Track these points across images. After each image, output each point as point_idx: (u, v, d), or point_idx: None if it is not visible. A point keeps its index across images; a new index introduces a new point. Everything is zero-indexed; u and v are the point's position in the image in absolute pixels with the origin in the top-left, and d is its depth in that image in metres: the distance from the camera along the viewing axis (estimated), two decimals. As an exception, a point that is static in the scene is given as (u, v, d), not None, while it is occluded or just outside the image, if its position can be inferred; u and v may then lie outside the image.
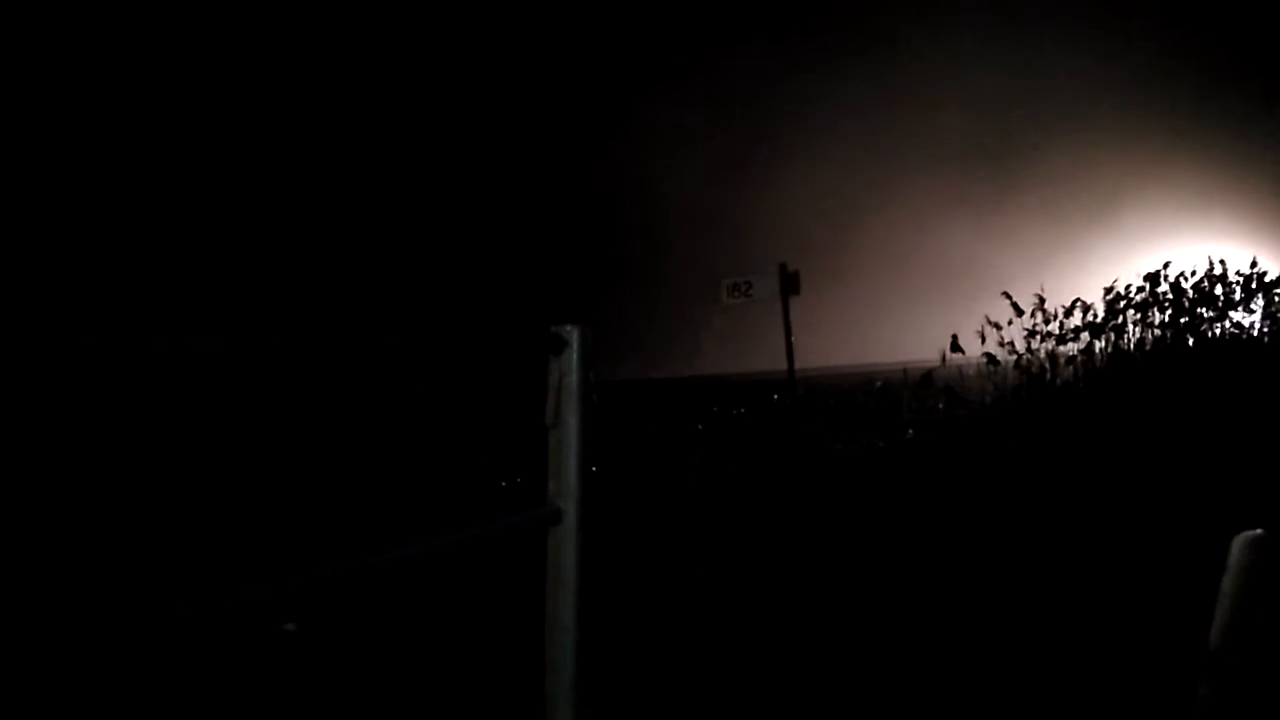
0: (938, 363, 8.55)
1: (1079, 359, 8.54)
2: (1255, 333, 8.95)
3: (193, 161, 16.85)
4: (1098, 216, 19.01)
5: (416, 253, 17.67)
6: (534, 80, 19.02)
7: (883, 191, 19.36)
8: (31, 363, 1.27)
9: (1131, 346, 8.73)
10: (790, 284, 10.94)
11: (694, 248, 18.46)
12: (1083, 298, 8.83)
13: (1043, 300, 8.76)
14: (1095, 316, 8.67)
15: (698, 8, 19.24)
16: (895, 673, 3.97)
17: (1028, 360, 8.55)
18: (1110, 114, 19.16)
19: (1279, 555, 2.33)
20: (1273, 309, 8.98)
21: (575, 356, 2.07)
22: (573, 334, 2.07)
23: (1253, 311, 9.02)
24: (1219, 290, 8.95)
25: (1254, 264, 9.29)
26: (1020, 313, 8.65)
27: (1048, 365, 8.51)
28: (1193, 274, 9.08)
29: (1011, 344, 8.56)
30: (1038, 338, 8.65)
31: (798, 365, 10.93)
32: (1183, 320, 8.70)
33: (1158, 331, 8.75)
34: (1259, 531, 2.36)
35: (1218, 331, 8.88)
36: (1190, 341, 8.71)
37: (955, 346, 8.54)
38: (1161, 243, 16.49)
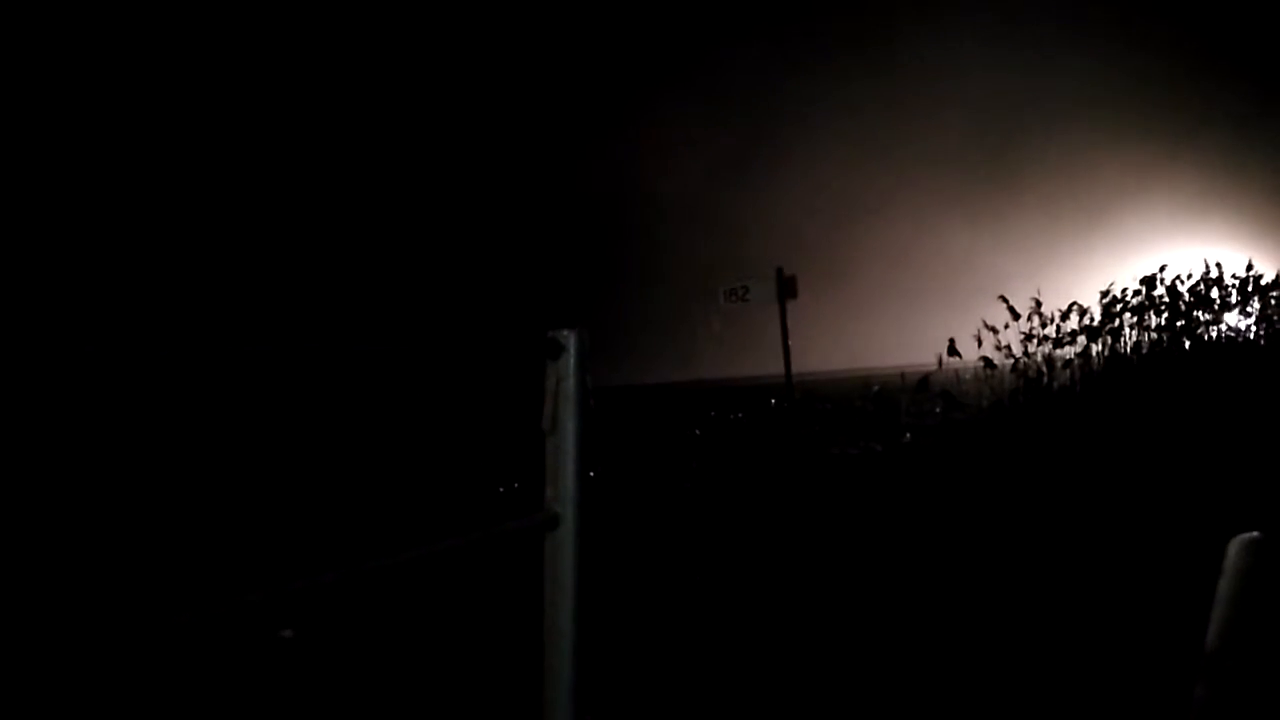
0: (935, 367, 8.54)
1: (1076, 362, 8.55)
2: (1251, 336, 8.97)
3: (191, 163, 16.84)
4: (1096, 217, 19.05)
5: (414, 255, 17.66)
6: (533, 82, 19.03)
7: (881, 192, 19.39)
8: (32, 366, 1.27)
9: (1128, 350, 8.73)
10: (787, 288, 10.94)
11: (692, 250, 18.47)
12: (1079, 301, 8.84)
13: (1039, 304, 8.77)
14: (1092, 320, 8.68)
15: (698, 9, 19.26)
16: (895, 674, 3.97)
17: (1024, 364, 8.55)
18: (1109, 115, 19.20)
19: (1275, 557, 2.33)
20: (1268, 312, 9.00)
21: (573, 361, 2.06)
22: (570, 338, 2.07)
23: (1249, 314, 9.04)
24: (1215, 293, 8.97)
25: (1250, 267, 9.32)
26: (1017, 316, 8.66)
27: (1044, 369, 8.51)
28: (1189, 277, 9.10)
29: (1008, 348, 8.57)
30: (1034, 341, 8.66)
31: (795, 369, 10.93)
32: (1179, 324, 8.71)
33: (1154, 335, 8.76)
34: (1255, 534, 2.36)
35: (1214, 335, 8.89)
36: (1186, 345, 8.72)
37: (952, 350, 8.54)
38: (1158, 245, 16.53)
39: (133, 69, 16.42)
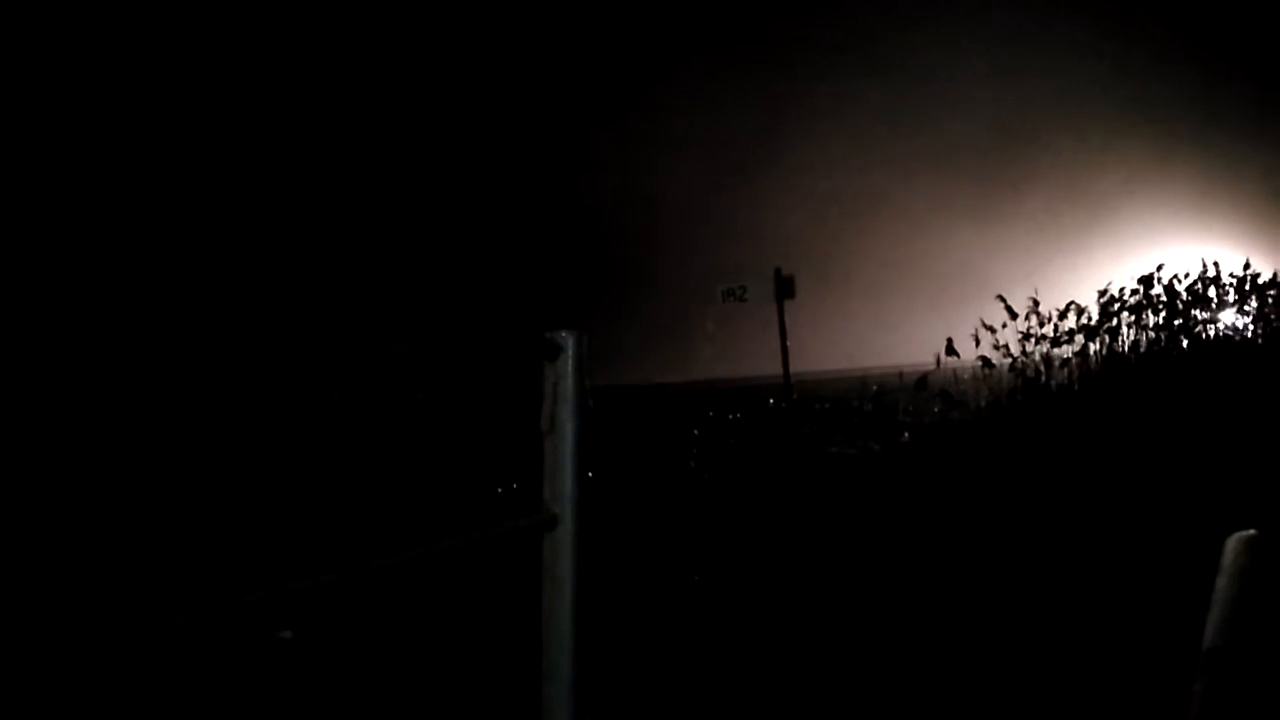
0: (933, 366, 8.55)
1: (1073, 361, 8.56)
2: (1249, 334, 8.98)
3: (188, 165, 16.84)
4: (1096, 217, 19.07)
5: (413, 256, 17.67)
6: (531, 83, 19.04)
7: (880, 192, 19.39)
8: (32, 368, 1.27)
9: (1126, 349, 8.74)
10: (785, 288, 10.95)
11: (690, 251, 18.47)
12: (1077, 300, 8.85)
13: (1037, 303, 8.78)
14: (1089, 319, 8.68)
15: (697, 10, 19.27)
16: (893, 673, 3.98)
17: (1022, 363, 8.56)
18: (1107, 116, 19.23)
19: (1272, 555, 2.34)
20: (1266, 310, 9.01)
21: (570, 362, 2.07)
22: (568, 340, 2.07)
23: (1246, 313, 9.05)
24: (1213, 292, 8.98)
25: (1247, 266, 9.33)
26: (1014, 316, 8.67)
27: (1042, 368, 8.52)
28: (1186, 276, 9.11)
29: (1006, 347, 8.57)
30: (1032, 340, 8.67)
31: (793, 369, 10.93)
32: (1177, 323, 8.72)
33: (1152, 334, 8.77)
34: (1252, 532, 2.37)
35: (1211, 333, 8.90)
36: (1184, 343, 8.73)
37: (950, 350, 8.55)
38: (1156, 244, 16.55)
39: (133, 69, 16.43)
